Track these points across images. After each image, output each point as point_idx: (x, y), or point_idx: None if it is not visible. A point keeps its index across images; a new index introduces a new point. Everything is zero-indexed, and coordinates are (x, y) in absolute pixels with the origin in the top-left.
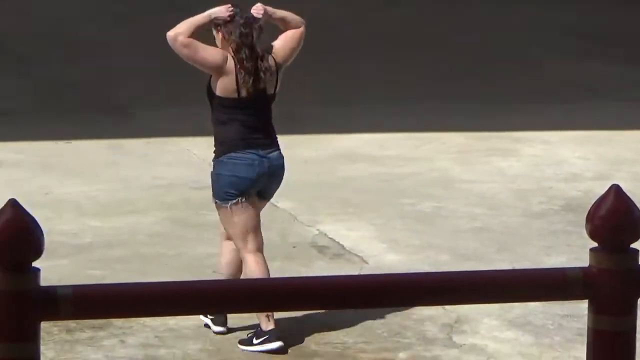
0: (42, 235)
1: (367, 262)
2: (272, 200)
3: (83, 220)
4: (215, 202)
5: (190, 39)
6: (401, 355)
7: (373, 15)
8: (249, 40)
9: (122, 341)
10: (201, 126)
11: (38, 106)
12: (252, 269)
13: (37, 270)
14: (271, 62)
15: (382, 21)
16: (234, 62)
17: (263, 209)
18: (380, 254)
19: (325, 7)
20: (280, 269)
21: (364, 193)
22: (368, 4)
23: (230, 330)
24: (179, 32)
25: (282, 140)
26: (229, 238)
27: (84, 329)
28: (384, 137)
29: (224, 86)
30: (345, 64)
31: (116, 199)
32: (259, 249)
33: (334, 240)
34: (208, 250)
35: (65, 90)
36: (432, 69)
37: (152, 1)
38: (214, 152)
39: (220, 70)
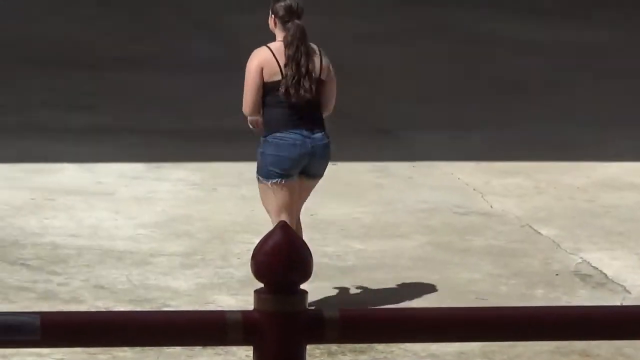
0: (311, 257)
1: (629, 292)
2: (534, 226)
3: (347, 242)
4: (258, 178)
5: (251, 108)
6: None
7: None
8: (297, 49)
9: None
10: (466, 151)
11: None
12: None
13: (305, 292)
14: (317, 65)
15: None
16: (277, 61)
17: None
18: None
19: (593, 33)
20: (544, 297)
21: (629, 221)
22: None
23: None
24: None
25: (551, 166)
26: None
27: (345, 353)
28: None
29: (269, 73)
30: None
31: (380, 222)
32: (291, 224)
33: (597, 269)
34: (472, 276)
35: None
36: None
37: (423, 25)
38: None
39: (262, 71)
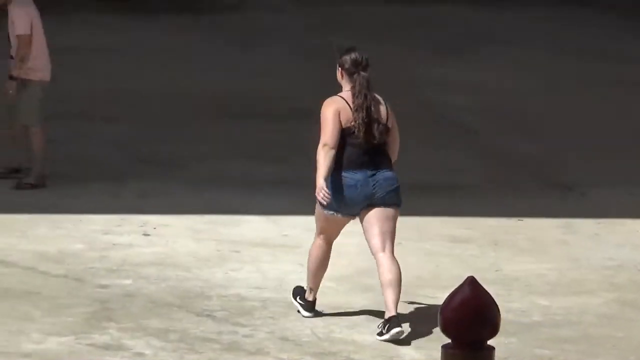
0: (499, 314)
1: None
2: None
3: (532, 298)
4: (319, 207)
5: (334, 144)
6: None
7: None
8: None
9: None
10: None
11: (487, 180)
12: (312, 248)
13: (492, 348)
14: (382, 114)
15: None
16: (349, 106)
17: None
18: None
19: None
20: None
21: None
22: None
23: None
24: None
25: None
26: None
27: None
28: None
29: (344, 119)
30: None
31: (566, 279)
32: (331, 242)
33: None
34: None
35: (513, 165)
36: None
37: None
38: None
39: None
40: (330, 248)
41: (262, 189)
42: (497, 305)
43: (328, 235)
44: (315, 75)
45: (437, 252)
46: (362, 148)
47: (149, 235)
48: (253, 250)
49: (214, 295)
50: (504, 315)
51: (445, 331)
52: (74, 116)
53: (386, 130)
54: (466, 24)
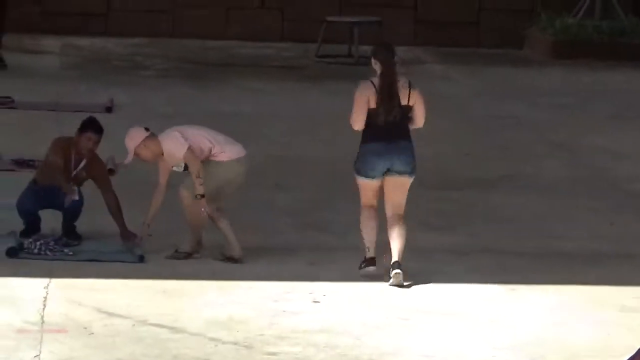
0: None
1: None
2: None
3: None
4: (354, 173)
5: (359, 125)
6: None
7: None
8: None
9: None
10: None
11: None
12: (362, 219)
13: None
14: (404, 94)
15: None
16: (376, 91)
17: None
18: None
19: None
20: None
21: None
22: None
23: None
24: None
25: None
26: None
27: None
28: None
29: (371, 101)
30: None
31: None
32: (374, 206)
33: None
34: None
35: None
36: None
37: None
38: None
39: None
40: (375, 211)
41: (425, 256)
42: None
43: (368, 200)
44: (475, 145)
45: (608, 321)
46: (383, 123)
47: (318, 302)
48: (424, 318)
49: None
50: None
51: None
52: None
53: (406, 109)
54: None
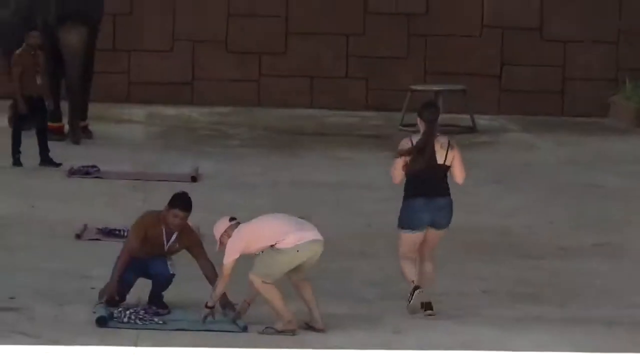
0: None
1: None
2: None
3: None
4: (398, 227)
5: (398, 180)
6: None
7: None
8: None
9: None
10: None
11: None
12: (403, 264)
13: None
14: (441, 155)
15: None
16: (415, 149)
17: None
18: None
19: None
20: None
21: None
22: None
23: None
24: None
25: None
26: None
27: None
28: None
29: (410, 157)
30: None
31: None
32: (412, 258)
33: None
34: None
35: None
36: None
37: None
38: None
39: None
40: (413, 258)
41: (512, 326)
42: None
43: (409, 251)
44: (563, 214)
45: None
46: (422, 180)
47: None
48: None
49: None
50: None
51: None
52: (326, 251)
53: (442, 167)
54: None
